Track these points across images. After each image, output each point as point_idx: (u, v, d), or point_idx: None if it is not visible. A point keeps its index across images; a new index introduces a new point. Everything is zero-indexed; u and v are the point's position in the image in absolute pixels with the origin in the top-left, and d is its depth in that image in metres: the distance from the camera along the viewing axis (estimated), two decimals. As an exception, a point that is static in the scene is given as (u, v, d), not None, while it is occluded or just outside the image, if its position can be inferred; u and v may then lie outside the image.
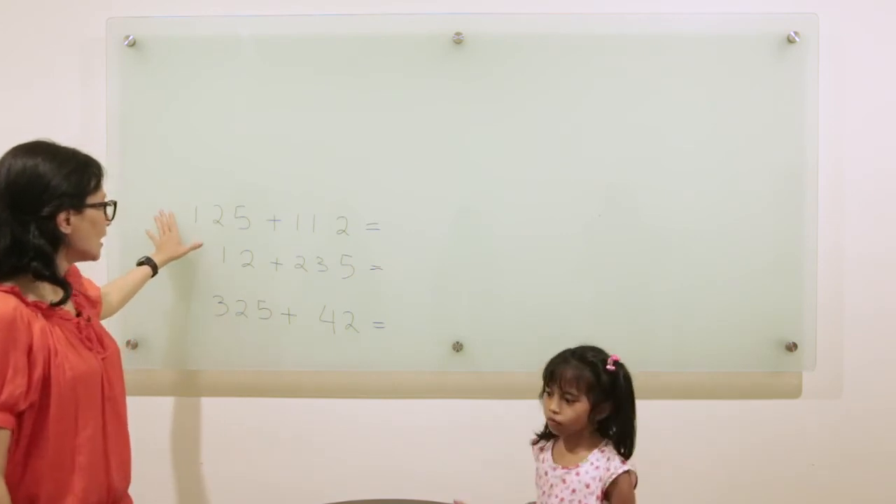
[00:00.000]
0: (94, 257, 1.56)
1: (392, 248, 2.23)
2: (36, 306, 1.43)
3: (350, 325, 2.24)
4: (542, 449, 1.77)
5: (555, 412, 1.66)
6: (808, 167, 2.21)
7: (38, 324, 1.41)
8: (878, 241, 2.27)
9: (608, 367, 1.68)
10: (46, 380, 1.40)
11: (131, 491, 1.64)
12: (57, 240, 1.46)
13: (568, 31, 2.22)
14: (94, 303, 1.67)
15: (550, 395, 1.70)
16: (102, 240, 1.57)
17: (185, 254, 2.17)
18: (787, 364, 2.24)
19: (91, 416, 1.47)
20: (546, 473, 1.71)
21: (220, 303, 2.24)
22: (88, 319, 1.55)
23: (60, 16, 2.28)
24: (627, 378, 1.69)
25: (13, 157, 1.46)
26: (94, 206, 1.51)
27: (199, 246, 2.19)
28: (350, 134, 2.23)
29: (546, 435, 1.77)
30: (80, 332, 1.50)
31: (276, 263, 2.24)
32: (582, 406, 1.65)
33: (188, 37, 2.23)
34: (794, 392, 2.30)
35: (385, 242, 2.23)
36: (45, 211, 1.44)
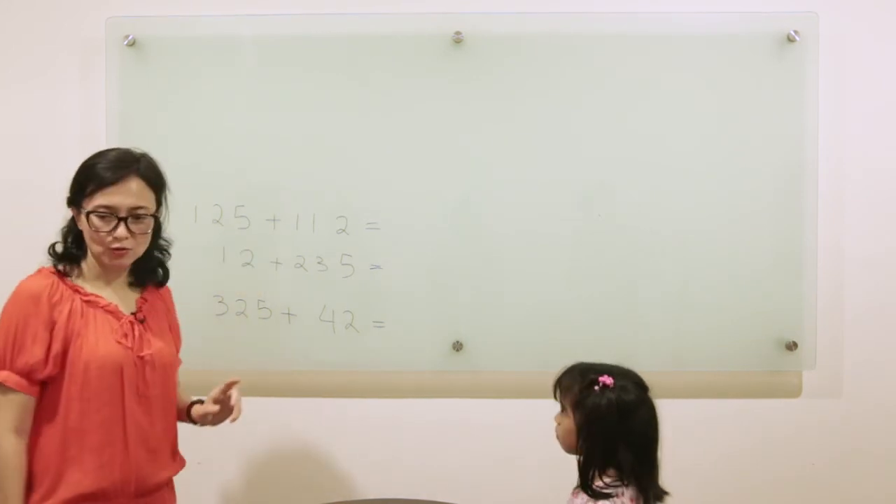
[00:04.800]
0: (105, 266, 1.59)
1: (392, 248, 2.23)
2: (75, 290, 1.55)
3: (350, 324, 2.24)
4: None
5: (556, 421, 1.56)
6: (808, 167, 2.21)
7: (69, 306, 1.53)
8: (878, 240, 2.27)
9: (595, 387, 1.48)
10: (63, 357, 1.51)
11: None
12: (81, 234, 1.58)
13: (568, 31, 2.22)
14: (170, 325, 1.76)
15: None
16: (123, 250, 1.56)
17: (217, 420, 1.80)
18: (787, 363, 2.24)
19: (106, 403, 1.54)
20: None
21: (220, 303, 2.24)
22: (142, 321, 1.63)
23: (60, 15, 2.28)
24: (611, 407, 1.46)
25: None
26: (83, 209, 1.55)
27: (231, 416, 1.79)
28: (349, 133, 2.23)
29: None
30: (122, 327, 1.58)
31: (276, 263, 2.24)
32: (568, 423, 1.51)
33: (188, 37, 2.23)
34: (794, 391, 2.30)
35: (385, 241, 2.23)
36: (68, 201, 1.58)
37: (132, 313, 1.62)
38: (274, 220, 2.24)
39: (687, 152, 2.22)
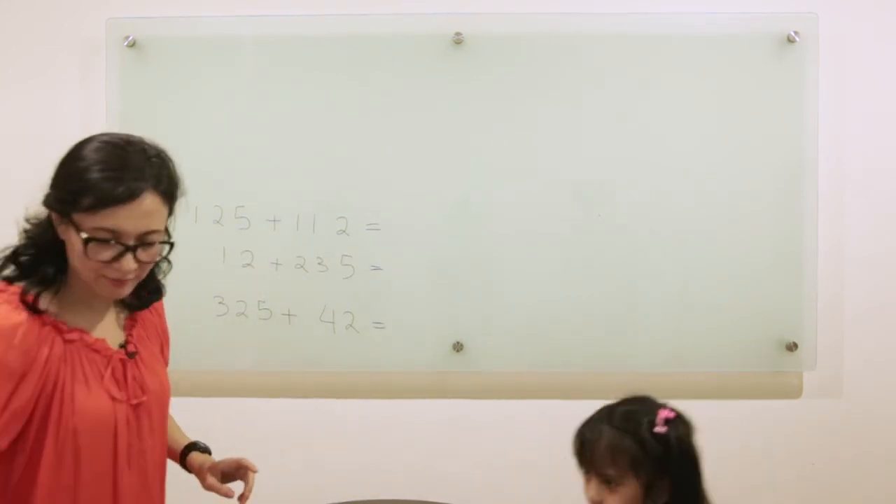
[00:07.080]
0: (95, 289, 1.21)
1: (392, 248, 2.23)
2: (54, 327, 1.18)
3: (350, 325, 2.24)
4: None
5: (594, 501, 1.23)
6: (808, 167, 2.21)
7: (48, 350, 1.16)
8: (878, 240, 2.27)
9: (657, 428, 1.20)
10: (44, 420, 1.17)
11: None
12: (57, 241, 1.19)
13: (568, 31, 2.22)
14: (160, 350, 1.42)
15: (587, 476, 1.26)
16: (113, 279, 1.19)
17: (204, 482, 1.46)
18: (788, 364, 2.24)
19: (94, 469, 1.21)
20: None
21: (220, 303, 2.24)
22: (132, 355, 1.29)
23: (60, 15, 2.28)
24: (683, 443, 1.21)
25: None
26: (75, 225, 1.15)
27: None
28: (350, 134, 2.23)
29: None
30: (113, 371, 1.24)
31: (276, 263, 2.24)
32: (630, 490, 1.19)
33: (188, 37, 2.23)
34: (795, 392, 2.30)
35: (385, 242, 2.23)
36: (48, 201, 1.18)
37: (121, 345, 1.29)
38: (274, 220, 2.24)
39: (687, 152, 2.22)
